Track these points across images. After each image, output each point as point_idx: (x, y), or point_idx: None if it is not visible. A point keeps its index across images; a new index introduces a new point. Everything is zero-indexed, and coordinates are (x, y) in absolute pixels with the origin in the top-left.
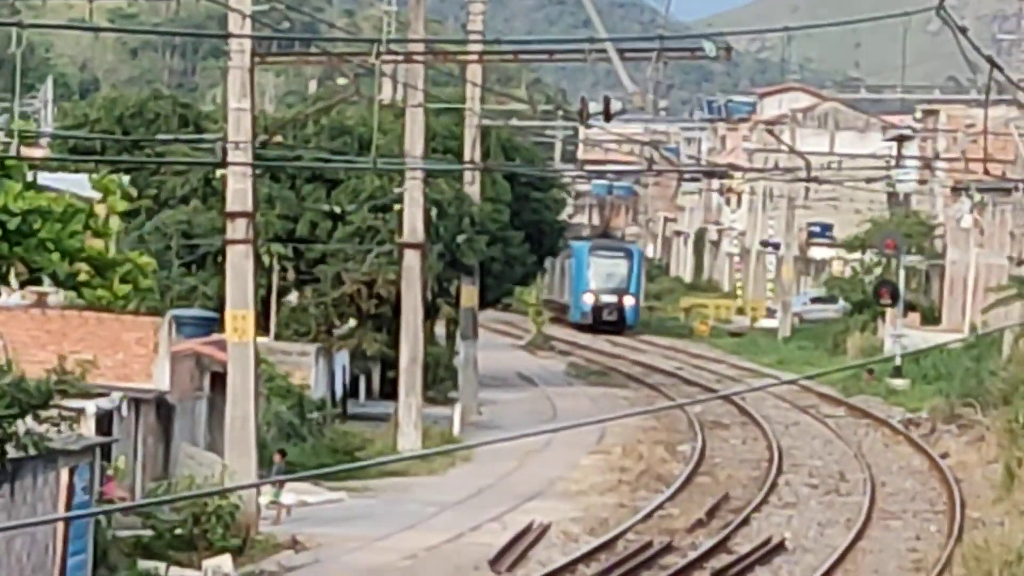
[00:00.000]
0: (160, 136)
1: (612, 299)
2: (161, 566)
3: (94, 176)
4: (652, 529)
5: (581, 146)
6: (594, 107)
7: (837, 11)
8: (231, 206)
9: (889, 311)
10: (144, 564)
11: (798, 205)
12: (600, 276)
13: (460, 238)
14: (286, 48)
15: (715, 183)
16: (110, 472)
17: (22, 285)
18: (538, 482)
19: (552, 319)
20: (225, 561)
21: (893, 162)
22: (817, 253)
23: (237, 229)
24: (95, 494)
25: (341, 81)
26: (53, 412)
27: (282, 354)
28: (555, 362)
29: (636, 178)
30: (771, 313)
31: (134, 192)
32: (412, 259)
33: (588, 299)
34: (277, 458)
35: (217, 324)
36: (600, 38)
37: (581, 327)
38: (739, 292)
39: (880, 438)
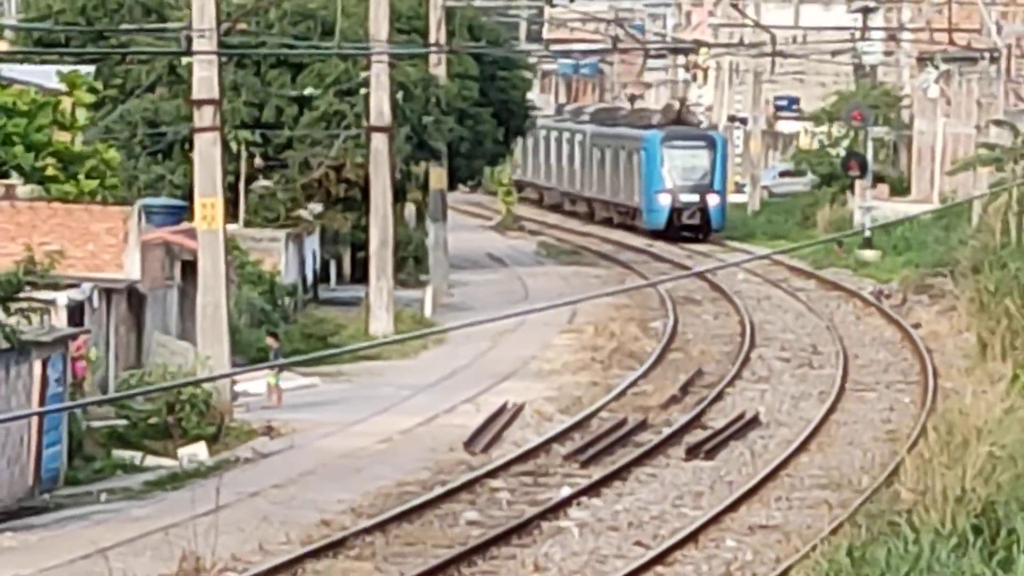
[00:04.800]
0: (124, 26)
1: (693, 198)
2: (137, 455)
3: (60, 69)
4: (626, 407)
5: (546, 25)
6: None
7: None
8: (197, 94)
9: (858, 183)
10: (119, 454)
11: (764, 79)
12: (677, 171)
13: (427, 120)
14: None
15: (681, 59)
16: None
17: None
18: (511, 362)
19: (520, 199)
20: (200, 449)
21: (858, 34)
22: (784, 127)
23: (204, 117)
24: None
25: None
26: (24, 304)
27: (252, 241)
28: (525, 242)
29: (601, 56)
30: (740, 188)
31: (100, 86)
32: (379, 142)
33: (664, 200)
34: (271, 341)
35: (186, 212)
36: None
37: (656, 234)
38: None
39: (852, 310)
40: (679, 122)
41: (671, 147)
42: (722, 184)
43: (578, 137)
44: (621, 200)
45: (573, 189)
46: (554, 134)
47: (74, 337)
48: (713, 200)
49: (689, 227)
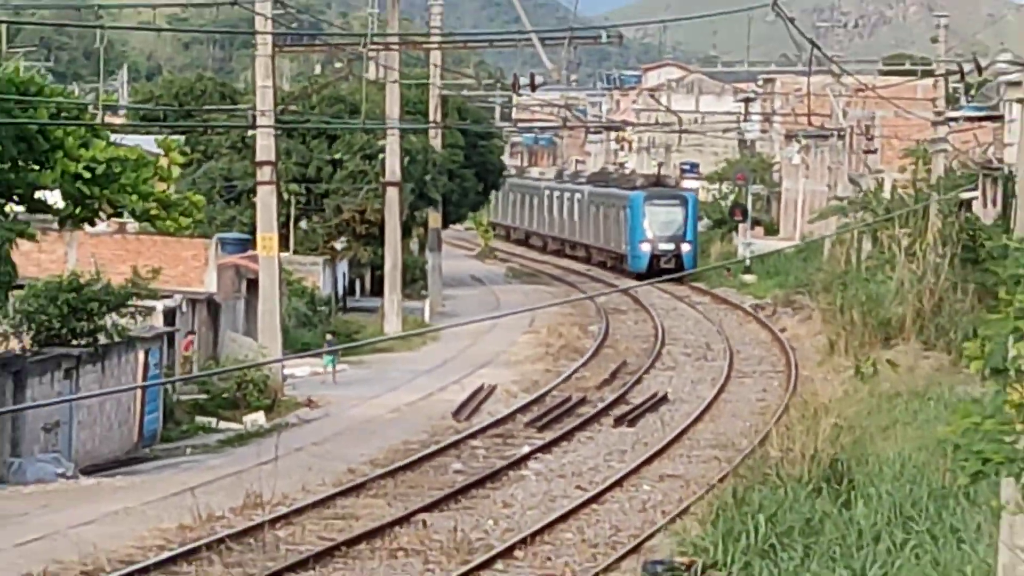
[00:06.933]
0: (206, 107)
1: (670, 247)
2: (213, 421)
3: (158, 137)
4: (571, 387)
5: (514, 109)
6: (523, 80)
7: (700, 6)
8: (259, 157)
9: (741, 226)
10: (200, 419)
11: (673, 150)
12: (656, 225)
13: (426, 178)
14: (297, 41)
15: (612, 135)
16: (189, 339)
17: (108, 218)
18: (487, 355)
19: (497, 236)
20: (260, 416)
21: (742, 117)
22: (688, 184)
23: (264, 174)
24: (164, 365)
25: (338, 64)
26: (132, 309)
27: (298, 264)
28: (498, 267)
29: (555, 132)
30: None
31: (188, 149)
32: (392, 194)
33: (645, 248)
34: (330, 337)
35: (251, 244)
36: (526, 30)
37: (639, 276)
38: None
39: (735, 318)
40: (658, 184)
41: (652, 205)
42: (693, 234)
43: (577, 196)
44: (612, 248)
45: (574, 238)
46: (556, 193)
47: (184, 335)
48: (686, 248)
49: (666, 270)
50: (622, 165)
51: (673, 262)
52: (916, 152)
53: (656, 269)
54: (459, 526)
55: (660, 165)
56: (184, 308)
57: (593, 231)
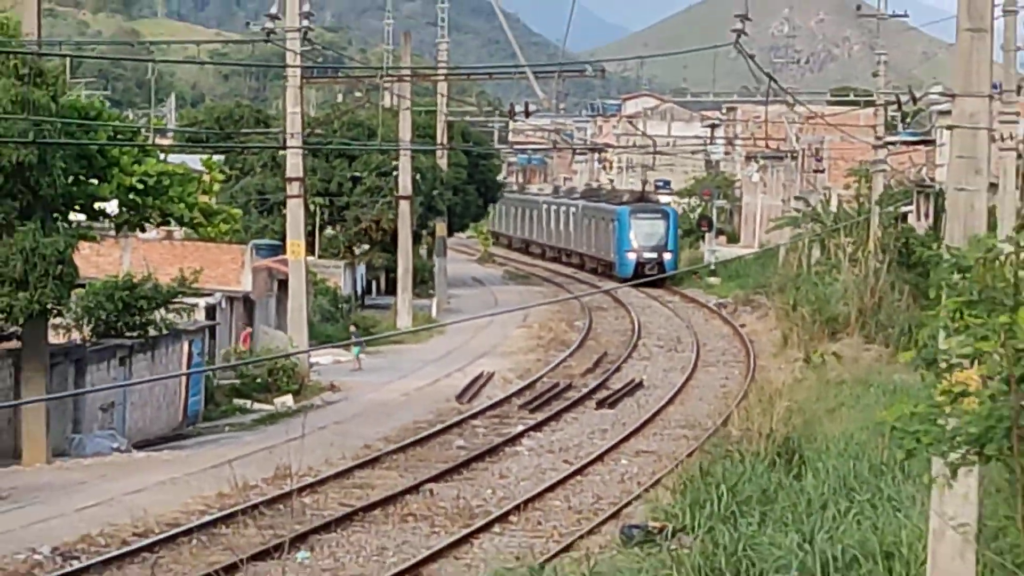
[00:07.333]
0: (243, 130)
1: (653, 255)
2: (248, 402)
3: (202, 157)
4: (559, 374)
5: (510, 132)
6: (518, 108)
7: (673, 44)
8: (289, 174)
9: (707, 235)
10: (237, 402)
11: (649, 169)
12: (641, 236)
13: (434, 192)
14: (322, 73)
15: (596, 156)
16: (248, 331)
17: (158, 225)
18: (486, 346)
19: (500, 244)
20: (288, 399)
21: (708, 141)
22: (662, 199)
23: (293, 188)
24: (206, 356)
25: (357, 94)
26: (177, 305)
27: (323, 267)
28: (496, 270)
29: (546, 153)
30: None
31: (227, 167)
32: (404, 206)
33: (631, 256)
34: (353, 328)
35: (281, 249)
36: (521, 65)
37: (625, 281)
38: None
39: (702, 315)
40: (643, 199)
41: (637, 218)
42: (674, 244)
43: (572, 209)
44: (602, 256)
45: (569, 247)
46: (553, 207)
47: (243, 327)
48: (667, 256)
49: (650, 275)
50: (611, 182)
51: (656, 269)
52: (859, 172)
53: (641, 275)
54: (461, 495)
55: (644, 183)
56: (223, 305)
57: (585, 241)
